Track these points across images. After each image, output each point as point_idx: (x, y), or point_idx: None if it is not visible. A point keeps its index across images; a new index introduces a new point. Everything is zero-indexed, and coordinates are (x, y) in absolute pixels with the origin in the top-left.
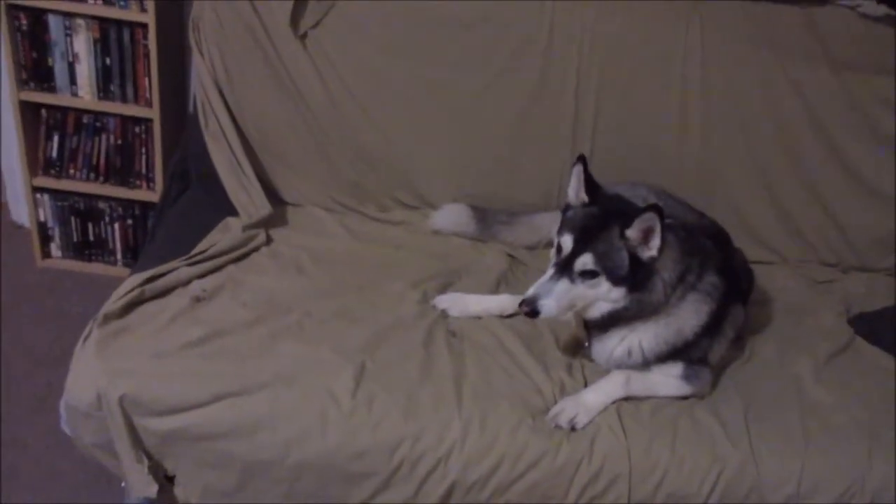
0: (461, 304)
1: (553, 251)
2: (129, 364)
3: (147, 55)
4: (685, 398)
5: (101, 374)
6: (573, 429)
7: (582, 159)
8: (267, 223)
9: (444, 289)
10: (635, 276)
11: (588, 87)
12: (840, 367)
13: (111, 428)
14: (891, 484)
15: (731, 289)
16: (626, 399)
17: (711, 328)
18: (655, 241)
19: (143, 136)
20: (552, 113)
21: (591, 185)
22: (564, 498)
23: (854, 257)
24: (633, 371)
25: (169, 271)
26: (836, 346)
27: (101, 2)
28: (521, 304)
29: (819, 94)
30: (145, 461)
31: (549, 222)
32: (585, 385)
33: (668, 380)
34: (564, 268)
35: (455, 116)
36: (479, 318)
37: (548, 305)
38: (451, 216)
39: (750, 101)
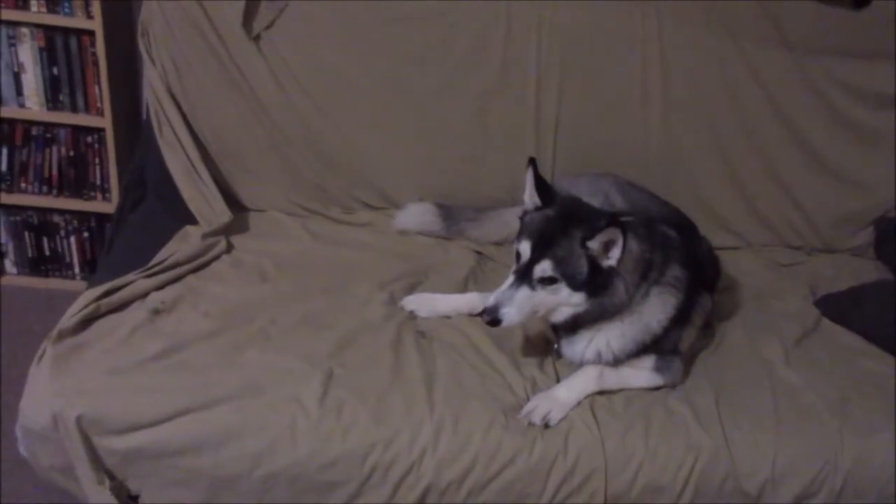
0: (429, 304)
1: (513, 258)
2: (85, 382)
3: (96, 63)
4: (658, 388)
5: (57, 393)
6: (547, 425)
7: (532, 162)
8: (227, 230)
9: (411, 289)
10: (595, 281)
11: (549, 79)
12: (808, 348)
13: (69, 449)
14: (863, 462)
15: (697, 278)
16: (600, 392)
17: (679, 319)
18: (616, 252)
19: (96, 146)
20: (514, 107)
21: (542, 186)
22: (541, 495)
23: (818, 239)
24: (605, 365)
25: (126, 284)
26: (804, 329)
27: (45, 9)
28: (482, 314)
29: (777, 79)
30: (107, 482)
31: (516, 217)
32: (557, 380)
33: (640, 372)
34: (524, 275)
35: (416, 113)
36: (449, 317)
37: (509, 314)
38: (416, 215)
39: (710, 88)
